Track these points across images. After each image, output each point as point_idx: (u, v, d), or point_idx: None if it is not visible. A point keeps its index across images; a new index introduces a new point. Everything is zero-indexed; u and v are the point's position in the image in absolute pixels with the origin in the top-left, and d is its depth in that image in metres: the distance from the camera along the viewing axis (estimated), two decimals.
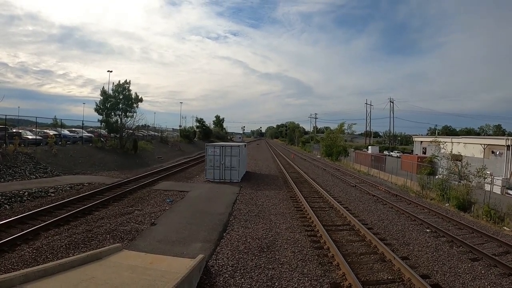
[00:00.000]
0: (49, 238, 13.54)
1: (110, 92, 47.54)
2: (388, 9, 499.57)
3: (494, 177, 33.10)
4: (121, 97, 47.61)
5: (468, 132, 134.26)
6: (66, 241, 13.04)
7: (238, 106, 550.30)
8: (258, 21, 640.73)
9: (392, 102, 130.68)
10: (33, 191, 21.77)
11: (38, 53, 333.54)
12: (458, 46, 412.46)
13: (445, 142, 40.62)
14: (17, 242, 12.89)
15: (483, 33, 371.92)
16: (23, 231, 13.81)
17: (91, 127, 57.52)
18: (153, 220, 16.58)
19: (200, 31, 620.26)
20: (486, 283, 11.59)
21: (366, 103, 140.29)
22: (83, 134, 48.46)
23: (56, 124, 50.14)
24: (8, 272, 9.40)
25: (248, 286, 10.25)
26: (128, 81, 48.80)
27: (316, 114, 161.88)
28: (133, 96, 48.65)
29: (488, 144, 43.33)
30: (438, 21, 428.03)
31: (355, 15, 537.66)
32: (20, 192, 20.90)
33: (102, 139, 47.55)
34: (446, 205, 26.97)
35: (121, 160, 42.66)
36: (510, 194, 32.35)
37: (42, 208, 17.84)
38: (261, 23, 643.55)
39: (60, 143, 39.18)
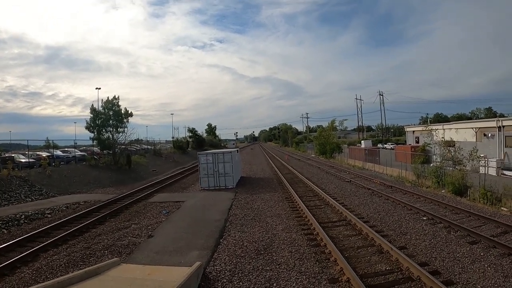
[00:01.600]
0: (48, 258, 13.57)
1: (100, 109, 47.73)
2: (370, 2, 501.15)
3: (488, 159, 33.30)
4: (111, 113, 47.73)
5: (460, 118, 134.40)
6: (65, 260, 13.08)
7: (229, 112, 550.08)
8: (243, 26, 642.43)
9: (382, 95, 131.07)
10: (30, 213, 21.73)
11: (25, 75, 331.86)
12: (443, 32, 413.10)
13: (437, 129, 40.78)
14: (17, 264, 12.92)
15: (467, 17, 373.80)
16: (22, 254, 13.84)
17: (84, 145, 57.64)
18: (150, 233, 16.61)
19: (186, 41, 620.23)
20: (486, 265, 11.61)
21: (357, 98, 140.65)
22: (76, 153, 48.56)
23: (49, 145, 50.11)
24: None
25: None
26: (117, 96, 49.10)
27: (307, 113, 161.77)
28: (123, 111, 48.89)
29: (480, 127, 43.56)
30: (422, 9, 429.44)
31: (339, 11, 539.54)
32: (17, 216, 20.86)
33: (95, 157, 47.63)
34: (442, 191, 27.08)
35: (116, 176, 42.69)
36: (505, 175, 32.55)
37: (39, 229, 17.85)
38: (246, 28, 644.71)
39: (53, 164, 39.18)
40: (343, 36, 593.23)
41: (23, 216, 21.02)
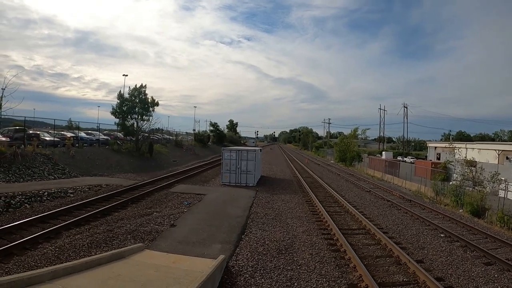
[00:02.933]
0: (71, 237, 13.79)
1: (127, 95, 48.22)
2: (401, 13, 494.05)
3: (509, 183, 33.05)
4: (137, 100, 48.19)
5: (483, 138, 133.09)
6: (87, 240, 13.29)
7: (251, 110, 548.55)
8: (271, 26, 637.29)
9: (406, 107, 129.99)
10: (53, 191, 22.10)
11: (53, 56, 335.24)
12: (472, 50, 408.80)
13: (460, 148, 40.58)
14: (39, 240, 13.16)
15: (496, 37, 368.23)
16: (44, 230, 14.12)
17: (106, 129, 57.93)
18: (172, 222, 16.82)
19: (213, 35, 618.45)
20: (499, 287, 11.76)
21: (380, 108, 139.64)
22: (100, 136, 49.07)
23: (71, 126, 50.46)
24: (33, 270, 9.67)
25: (268, 286, 10.47)
26: (144, 85, 49.53)
27: (329, 119, 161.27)
28: (149, 100, 49.30)
29: (503, 150, 43.20)
30: (451, 26, 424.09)
31: (368, 19, 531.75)
32: (40, 192, 21.21)
33: (118, 142, 48.07)
34: (460, 211, 27.00)
35: (137, 162, 43.09)
36: None
37: (62, 208, 18.19)
38: (274, 28, 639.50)
39: (77, 145, 39.72)
40: (370, 44, 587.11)
41: (46, 193, 21.38)
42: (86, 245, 12.81)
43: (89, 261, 8.85)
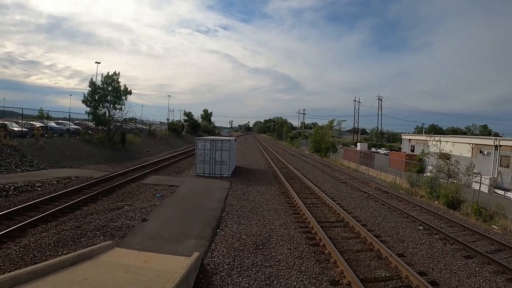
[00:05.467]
0: (37, 235, 13.07)
1: (99, 83, 46.84)
2: (379, 7, 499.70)
3: (482, 176, 33.38)
4: (110, 89, 46.87)
5: (455, 131, 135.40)
6: (54, 238, 12.59)
7: (226, 100, 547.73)
8: (248, 16, 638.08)
9: (380, 100, 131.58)
10: (19, 185, 21.17)
11: (25, 43, 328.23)
12: (447, 46, 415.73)
13: (437, 141, 40.85)
14: (3, 239, 12.39)
15: (472, 34, 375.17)
16: (9, 228, 13.31)
17: (78, 119, 56.49)
18: (144, 216, 16.23)
19: (190, 24, 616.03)
20: (481, 280, 11.77)
21: (355, 100, 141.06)
22: (70, 126, 47.80)
23: (42, 115, 49.31)
24: None
25: (247, 285, 10.01)
26: (117, 72, 48.09)
27: (304, 110, 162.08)
28: (122, 88, 48.06)
29: (477, 144, 43.79)
30: (429, 21, 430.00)
31: (346, 12, 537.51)
32: (6, 186, 20.29)
33: (89, 132, 46.94)
34: (436, 202, 27.14)
35: (109, 153, 42.11)
36: (496, 193, 32.75)
37: (28, 203, 17.29)
38: (251, 18, 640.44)
39: (46, 135, 38.36)
40: (347, 37, 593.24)
41: (12, 187, 20.43)
42: (52, 244, 12.09)
43: (52, 264, 8.21)
